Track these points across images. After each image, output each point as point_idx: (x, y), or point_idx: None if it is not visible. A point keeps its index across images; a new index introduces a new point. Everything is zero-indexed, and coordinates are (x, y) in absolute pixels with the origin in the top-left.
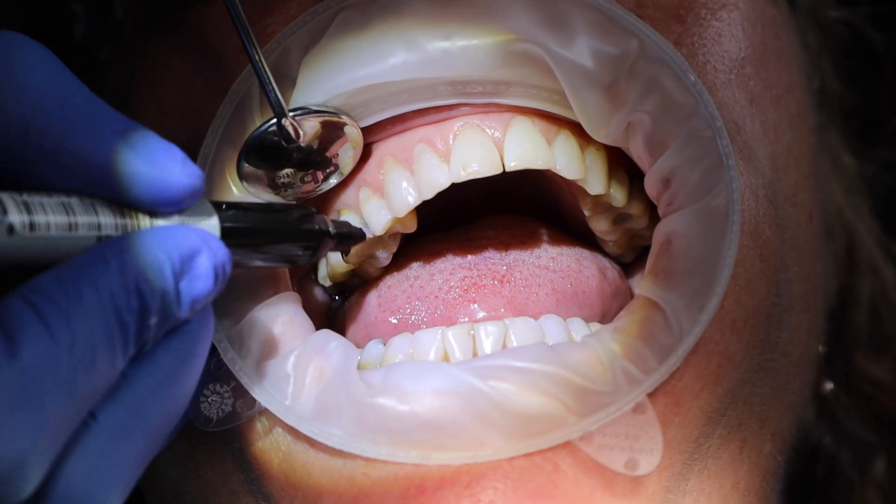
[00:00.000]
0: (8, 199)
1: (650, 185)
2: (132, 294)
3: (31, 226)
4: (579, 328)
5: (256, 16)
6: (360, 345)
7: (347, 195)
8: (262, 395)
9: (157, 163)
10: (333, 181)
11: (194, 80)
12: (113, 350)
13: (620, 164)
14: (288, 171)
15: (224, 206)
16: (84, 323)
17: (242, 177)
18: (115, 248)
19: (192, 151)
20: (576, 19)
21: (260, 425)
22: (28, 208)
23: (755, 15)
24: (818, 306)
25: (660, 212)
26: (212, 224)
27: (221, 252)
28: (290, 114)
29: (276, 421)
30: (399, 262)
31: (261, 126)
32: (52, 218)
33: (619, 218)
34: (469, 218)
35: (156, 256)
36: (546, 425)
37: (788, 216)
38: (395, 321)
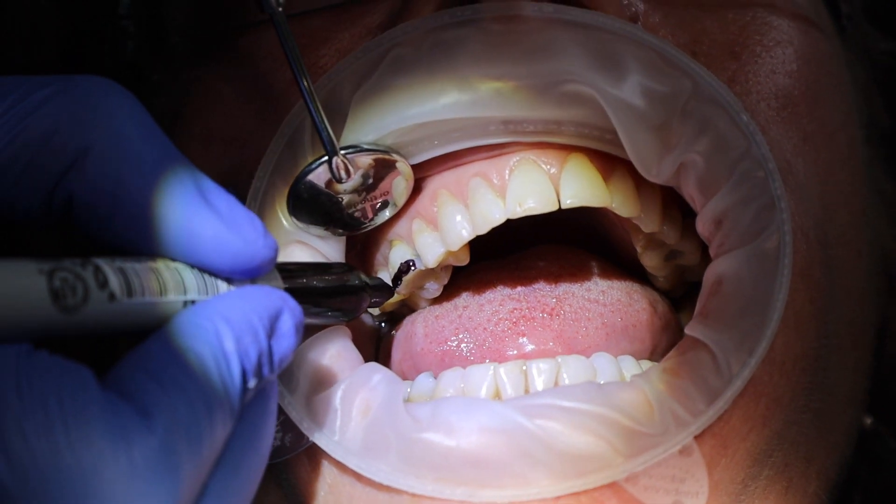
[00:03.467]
0: (106, 266)
1: (702, 226)
2: (234, 360)
3: (129, 291)
4: (630, 366)
5: (309, 46)
6: (406, 375)
7: (400, 226)
8: (311, 430)
9: (243, 235)
10: (387, 214)
11: (244, 109)
12: (225, 415)
13: (674, 201)
14: (338, 206)
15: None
16: (200, 392)
17: (293, 211)
18: (212, 314)
19: (237, 178)
20: (628, 58)
21: (307, 457)
22: (124, 274)
23: (810, 52)
24: (866, 344)
25: (711, 252)
26: (276, 283)
27: (298, 310)
28: (342, 151)
29: (322, 453)
30: (447, 290)
31: (312, 163)
32: (145, 282)
33: (670, 254)
34: (517, 244)
35: (250, 319)
36: (592, 465)
37: (838, 256)
38: (441, 352)
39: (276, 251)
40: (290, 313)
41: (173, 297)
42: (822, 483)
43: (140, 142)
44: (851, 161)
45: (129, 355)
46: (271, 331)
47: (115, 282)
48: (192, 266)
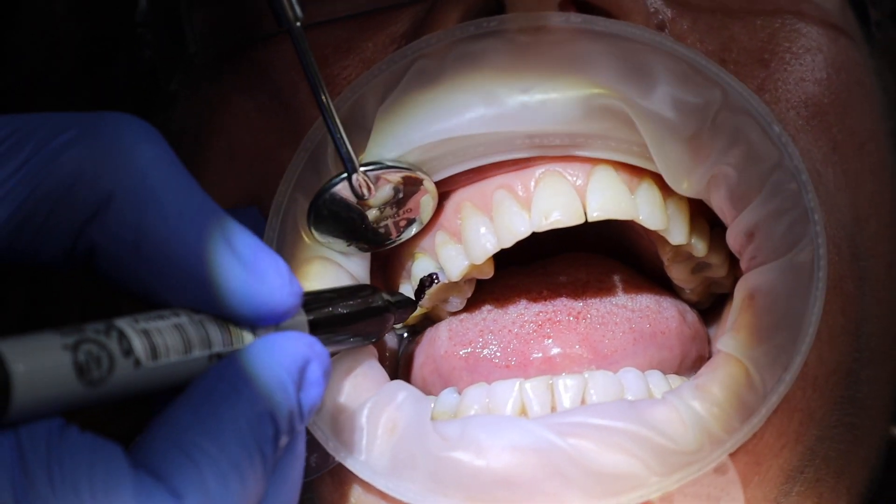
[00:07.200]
0: (129, 330)
1: (732, 239)
2: (266, 421)
3: (154, 354)
4: (659, 382)
5: (332, 56)
6: (428, 378)
7: (423, 239)
8: (337, 450)
9: (268, 283)
10: (413, 230)
11: (268, 123)
12: (258, 479)
13: (701, 212)
14: (362, 222)
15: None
16: (232, 462)
17: (314, 227)
18: (240, 373)
19: (261, 195)
20: (657, 69)
21: (330, 476)
22: (148, 337)
23: (839, 59)
24: None
25: (742, 266)
26: (301, 321)
27: (325, 354)
28: (363, 169)
29: (346, 472)
30: (471, 297)
31: (331, 181)
32: (169, 341)
33: (697, 267)
34: (539, 252)
35: (279, 376)
36: (626, 484)
37: (868, 268)
38: (465, 355)
39: (301, 297)
40: (318, 360)
41: (198, 354)
42: (852, 498)
43: (164, 188)
44: (882, 171)
45: (158, 423)
46: (300, 382)
47: (139, 347)
48: (217, 317)
